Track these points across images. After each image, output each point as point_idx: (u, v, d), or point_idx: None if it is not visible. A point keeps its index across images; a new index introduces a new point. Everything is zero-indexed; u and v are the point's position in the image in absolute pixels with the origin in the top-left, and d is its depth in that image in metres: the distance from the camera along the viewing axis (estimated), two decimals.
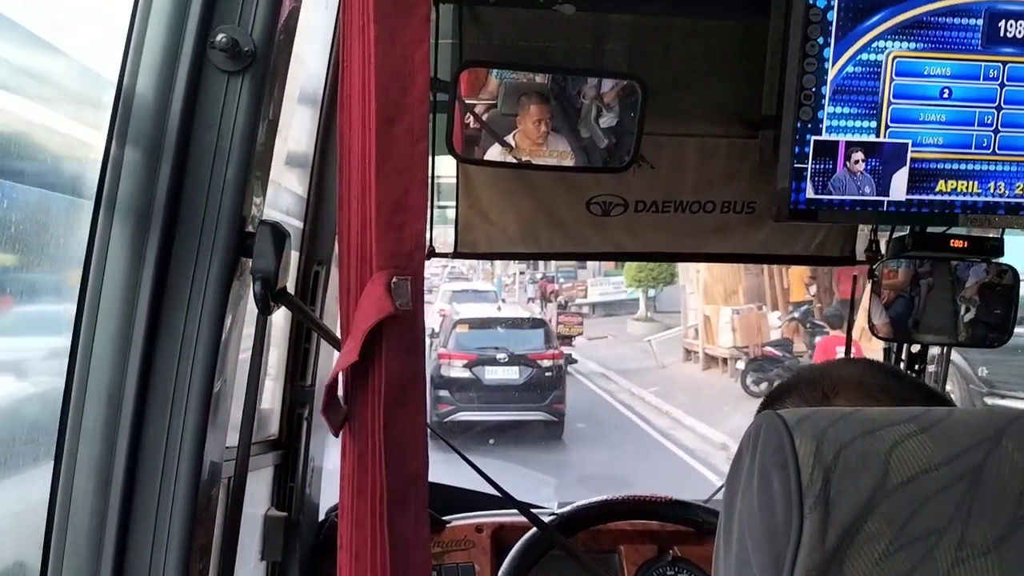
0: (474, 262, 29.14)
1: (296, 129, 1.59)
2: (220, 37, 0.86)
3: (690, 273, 16.86)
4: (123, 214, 0.86)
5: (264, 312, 0.92)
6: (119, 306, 0.87)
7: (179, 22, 0.86)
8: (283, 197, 1.54)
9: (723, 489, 0.63)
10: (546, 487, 7.89)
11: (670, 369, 16.11)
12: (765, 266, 12.25)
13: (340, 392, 0.82)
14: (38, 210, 0.96)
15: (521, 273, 29.07)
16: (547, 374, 11.24)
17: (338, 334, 0.90)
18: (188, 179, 0.87)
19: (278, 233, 0.90)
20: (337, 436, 0.78)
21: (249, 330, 0.99)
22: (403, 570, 0.76)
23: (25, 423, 1.01)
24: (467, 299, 17.34)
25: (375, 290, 0.72)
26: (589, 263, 22.67)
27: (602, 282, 24.01)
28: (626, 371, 15.92)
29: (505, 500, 1.58)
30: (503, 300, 19.61)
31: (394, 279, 0.72)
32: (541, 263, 26.97)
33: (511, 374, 11.22)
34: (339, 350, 0.88)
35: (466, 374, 11.11)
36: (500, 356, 11.30)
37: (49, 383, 0.94)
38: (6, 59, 0.90)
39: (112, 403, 0.87)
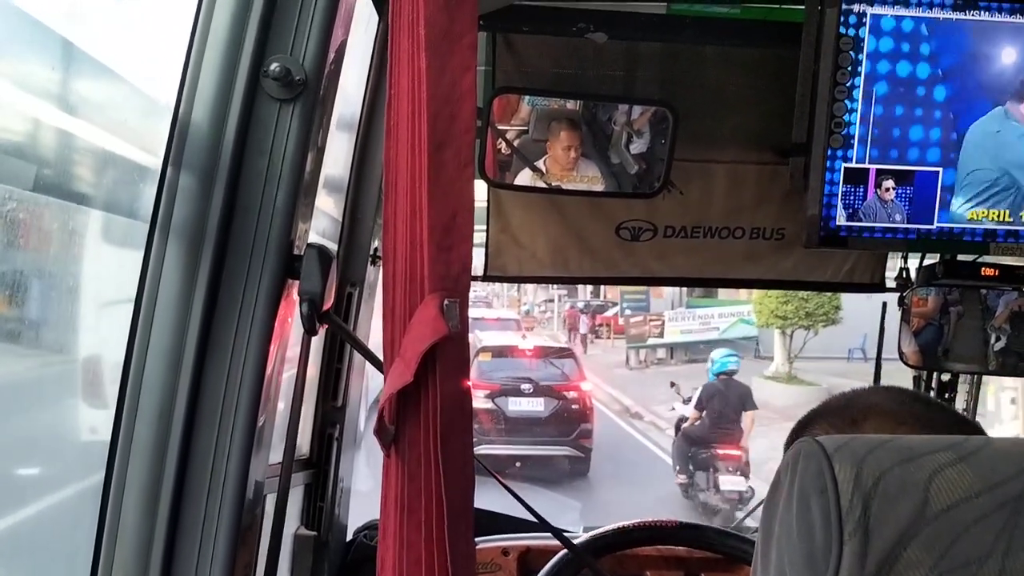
0: (497, 290, 28.78)
1: (332, 154, 1.62)
2: (273, 66, 0.89)
3: None
4: (177, 236, 0.89)
5: (310, 332, 0.94)
6: (171, 325, 0.89)
7: (234, 52, 0.89)
8: (319, 219, 1.57)
9: (749, 517, 0.64)
10: (572, 511, 7.81)
11: None
12: None
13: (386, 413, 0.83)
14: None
15: (559, 299, 25.36)
16: (574, 407, 10.60)
17: (376, 355, 0.91)
18: (240, 203, 0.90)
19: (324, 256, 0.93)
20: (389, 456, 0.79)
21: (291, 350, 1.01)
22: None
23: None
24: (489, 327, 16.70)
25: (429, 312, 0.73)
26: (666, 291, 18.90)
27: (684, 315, 18.47)
28: None
29: (538, 524, 1.58)
30: (526, 331, 18.04)
31: (445, 301, 0.73)
32: (579, 290, 24.92)
33: (536, 406, 10.58)
34: (382, 371, 0.89)
35: (488, 405, 10.44)
36: (524, 387, 10.68)
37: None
38: (68, 84, 0.93)
39: (163, 419, 0.89)
